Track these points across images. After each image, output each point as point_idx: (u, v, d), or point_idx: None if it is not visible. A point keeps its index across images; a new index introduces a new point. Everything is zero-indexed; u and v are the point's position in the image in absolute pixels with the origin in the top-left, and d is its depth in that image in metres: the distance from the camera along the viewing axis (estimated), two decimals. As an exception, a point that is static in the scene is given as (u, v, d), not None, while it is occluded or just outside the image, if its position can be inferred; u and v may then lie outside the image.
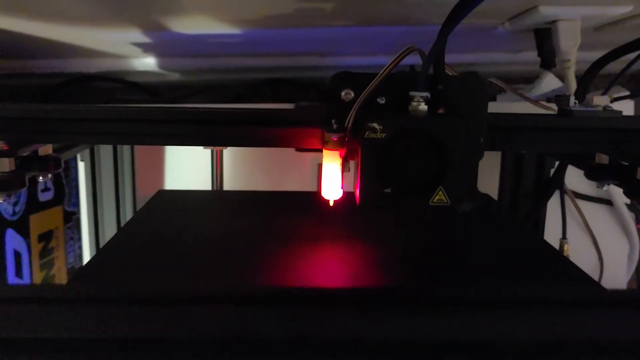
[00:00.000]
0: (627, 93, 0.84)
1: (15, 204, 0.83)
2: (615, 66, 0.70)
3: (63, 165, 0.52)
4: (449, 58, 0.45)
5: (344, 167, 0.45)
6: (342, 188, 0.45)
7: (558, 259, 0.52)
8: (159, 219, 0.64)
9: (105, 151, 0.94)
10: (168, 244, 0.55)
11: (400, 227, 0.61)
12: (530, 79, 0.82)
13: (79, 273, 0.48)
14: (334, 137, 0.43)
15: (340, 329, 0.30)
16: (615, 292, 0.36)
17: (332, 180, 0.43)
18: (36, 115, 0.46)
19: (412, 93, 0.43)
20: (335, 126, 0.44)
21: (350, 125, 0.43)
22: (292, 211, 0.68)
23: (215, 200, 0.76)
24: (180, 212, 0.68)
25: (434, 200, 0.42)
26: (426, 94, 0.43)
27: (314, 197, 0.76)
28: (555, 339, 0.29)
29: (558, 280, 0.47)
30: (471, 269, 0.50)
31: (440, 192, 0.41)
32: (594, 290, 0.43)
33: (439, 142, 0.41)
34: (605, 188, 0.51)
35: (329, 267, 0.50)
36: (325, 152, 0.43)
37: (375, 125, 0.41)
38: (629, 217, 0.91)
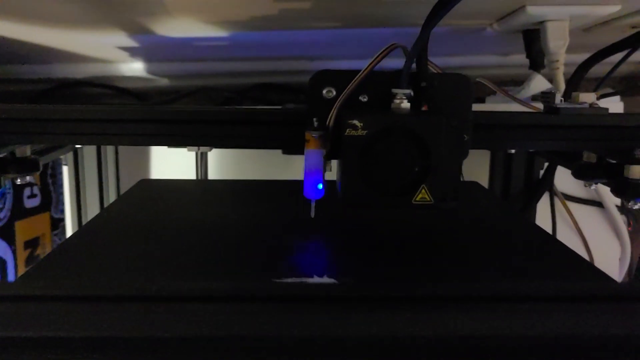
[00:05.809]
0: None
1: (-1, 210, 0.82)
2: (603, 68, 0.70)
3: (41, 168, 0.51)
4: (437, 61, 0.44)
5: (326, 166, 0.44)
6: (323, 187, 0.44)
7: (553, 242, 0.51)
8: (139, 205, 0.63)
9: (88, 155, 0.93)
10: (145, 230, 0.54)
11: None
12: (520, 82, 0.81)
13: (50, 256, 0.47)
14: (315, 135, 0.42)
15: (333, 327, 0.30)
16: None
17: (314, 179, 0.43)
18: (14, 116, 0.45)
19: (394, 90, 0.42)
20: (316, 124, 0.43)
21: (331, 123, 0.43)
22: (278, 199, 0.67)
23: (197, 188, 0.74)
24: (160, 199, 0.67)
25: (417, 199, 0.41)
26: (408, 92, 0.42)
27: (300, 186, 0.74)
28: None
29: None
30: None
31: (423, 191, 0.40)
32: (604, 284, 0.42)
33: (420, 139, 0.40)
34: (593, 187, 0.50)
35: (314, 258, 0.49)
36: (306, 150, 0.43)
37: (355, 122, 0.40)
38: (619, 218, 0.91)
